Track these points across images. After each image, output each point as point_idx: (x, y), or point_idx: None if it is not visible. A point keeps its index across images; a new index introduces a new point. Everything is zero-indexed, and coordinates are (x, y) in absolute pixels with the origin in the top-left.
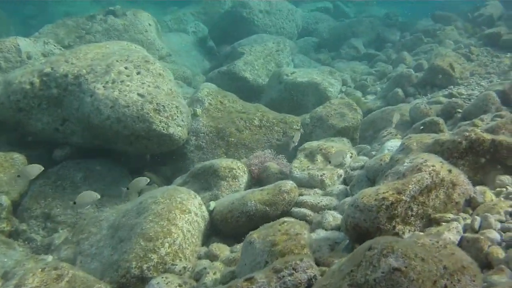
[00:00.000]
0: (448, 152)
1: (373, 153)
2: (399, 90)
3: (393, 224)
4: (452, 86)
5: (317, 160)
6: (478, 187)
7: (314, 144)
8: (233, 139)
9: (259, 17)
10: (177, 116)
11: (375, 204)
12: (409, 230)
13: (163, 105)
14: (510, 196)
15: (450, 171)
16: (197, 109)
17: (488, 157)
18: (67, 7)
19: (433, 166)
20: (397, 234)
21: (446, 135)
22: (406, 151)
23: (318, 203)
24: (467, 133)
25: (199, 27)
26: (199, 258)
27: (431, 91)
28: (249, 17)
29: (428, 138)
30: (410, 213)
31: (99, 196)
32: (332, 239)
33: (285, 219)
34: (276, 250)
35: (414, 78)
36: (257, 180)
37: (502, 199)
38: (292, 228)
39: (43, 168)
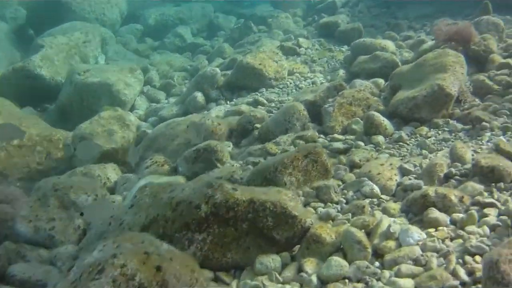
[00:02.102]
0: (181, 223)
1: (125, 193)
2: (199, 95)
3: None
4: (264, 89)
5: (49, 206)
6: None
7: (49, 181)
8: None
9: (77, 1)
10: None
11: None
12: None
13: None
14: None
15: (158, 268)
16: None
17: (245, 227)
18: None
19: (122, 267)
20: None
21: (184, 193)
22: (136, 210)
23: (29, 277)
24: (210, 192)
25: (19, 13)
26: None
27: (239, 95)
28: (66, 2)
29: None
30: None
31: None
32: None
33: None
34: None
35: (219, 78)
36: None
37: None
38: None
39: None
